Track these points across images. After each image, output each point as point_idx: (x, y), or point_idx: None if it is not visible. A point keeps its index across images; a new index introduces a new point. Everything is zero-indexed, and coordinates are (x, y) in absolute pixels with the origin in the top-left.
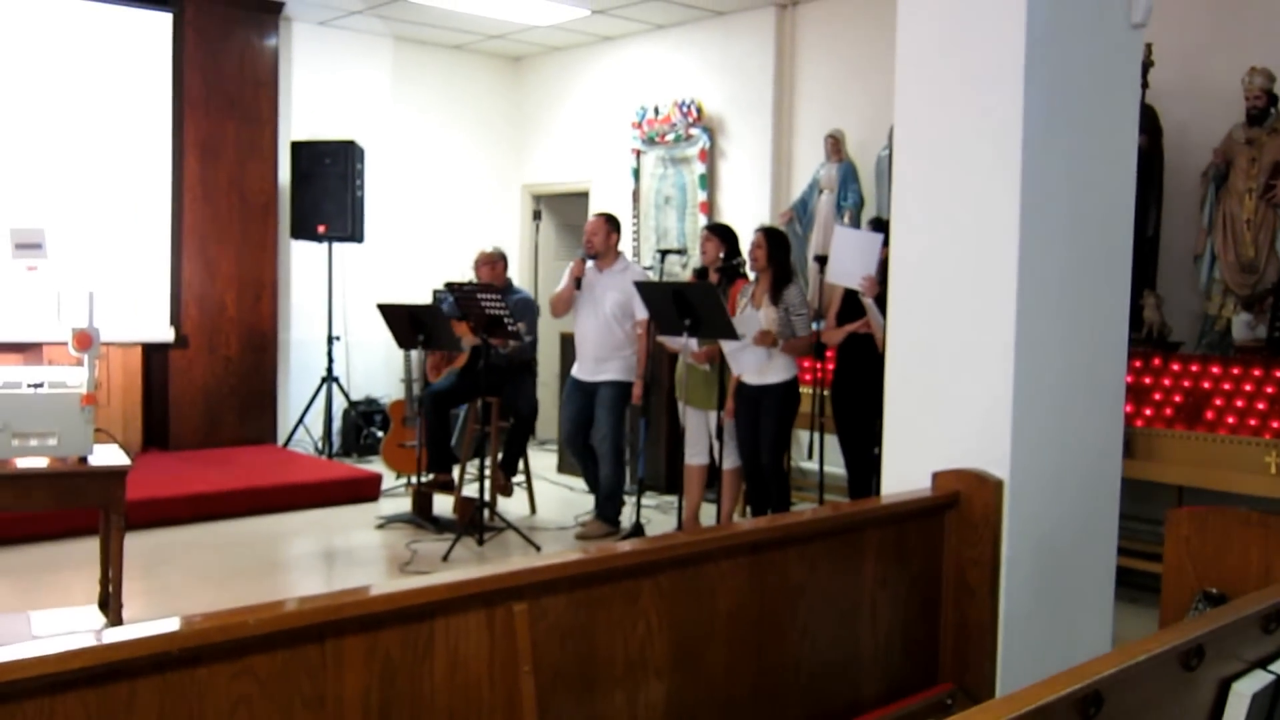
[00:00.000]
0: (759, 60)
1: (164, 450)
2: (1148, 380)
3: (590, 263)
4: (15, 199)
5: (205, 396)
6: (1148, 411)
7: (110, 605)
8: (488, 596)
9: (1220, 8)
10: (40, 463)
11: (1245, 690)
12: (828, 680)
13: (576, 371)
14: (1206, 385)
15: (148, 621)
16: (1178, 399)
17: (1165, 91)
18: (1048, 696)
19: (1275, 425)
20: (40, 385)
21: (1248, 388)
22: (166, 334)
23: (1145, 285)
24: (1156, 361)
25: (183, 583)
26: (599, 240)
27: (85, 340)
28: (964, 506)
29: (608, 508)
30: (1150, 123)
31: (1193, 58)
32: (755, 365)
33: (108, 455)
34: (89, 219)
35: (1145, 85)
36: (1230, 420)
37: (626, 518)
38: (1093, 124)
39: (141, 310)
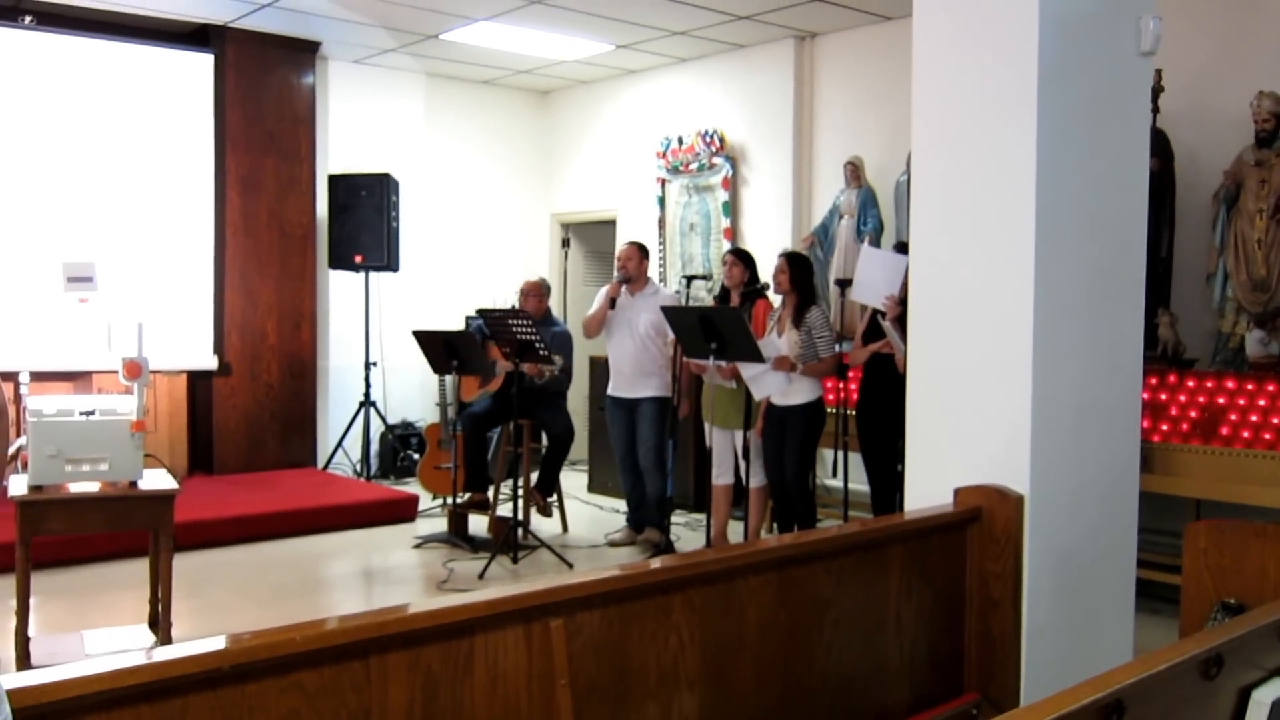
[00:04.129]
0: (779, 90)
1: (208, 474)
2: (1164, 397)
3: (623, 287)
4: (67, 234)
5: (248, 422)
6: (1164, 427)
7: (159, 624)
8: (525, 613)
9: (1227, 35)
10: (92, 487)
11: (1265, 698)
12: (855, 692)
13: (613, 390)
14: (1221, 401)
15: (198, 640)
16: (1193, 415)
17: (1176, 116)
18: (1071, 705)
19: None
20: (92, 413)
21: (1262, 403)
22: (210, 362)
23: (1160, 304)
24: (1172, 378)
25: (228, 602)
26: (634, 265)
27: (135, 369)
28: (986, 521)
29: (656, 515)
30: (1162, 147)
31: (1202, 83)
32: (777, 389)
33: (157, 479)
34: (136, 252)
35: (1156, 111)
36: (1245, 435)
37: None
38: (1105, 148)
39: (186, 339)
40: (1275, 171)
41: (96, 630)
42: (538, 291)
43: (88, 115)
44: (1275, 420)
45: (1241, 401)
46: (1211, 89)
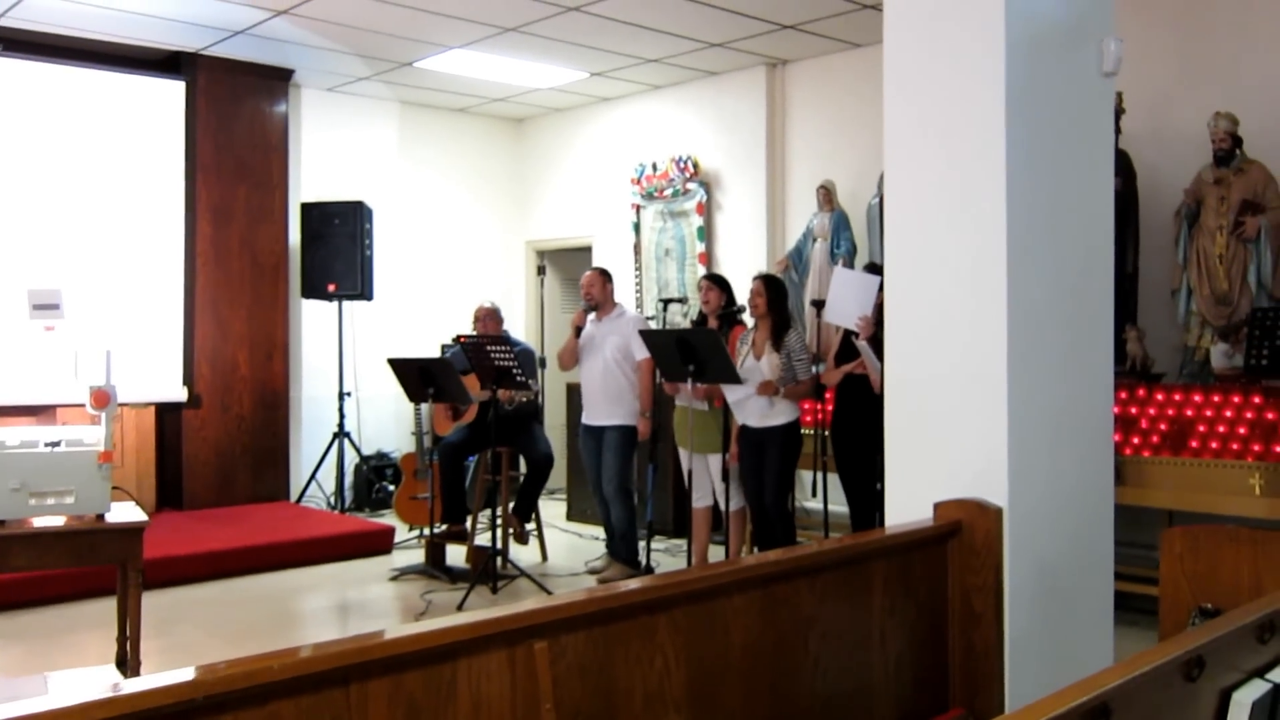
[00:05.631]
0: (752, 117)
1: (178, 510)
2: (1134, 410)
3: (590, 314)
4: (34, 262)
5: (218, 455)
6: (1135, 440)
7: (128, 663)
8: (508, 636)
9: (1184, 57)
10: (57, 521)
11: (1245, 699)
12: (841, 709)
13: (586, 418)
14: (1189, 413)
15: (170, 671)
16: (1163, 427)
17: (1137, 137)
18: (1059, 709)
19: (1257, 448)
20: (57, 444)
21: (1228, 414)
22: (179, 394)
23: (1127, 320)
24: (1141, 392)
25: (199, 640)
26: (596, 291)
27: (103, 398)
28: (966, 535)
29: (622, 548)
30: (1125, 166)
31: (1161, 104)
32: (759, 413)
33: (125, 512)
34: (104, 282)
35: (1118, 131)
36: (1214, 445)
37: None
38: (1071, 168)
39: (155, 371)
40: (1233, 189)
41: (61, 671)
42: (493, 315)
43: (57, 142)
44: (1241, 430)
45: (1209, 413)
46: (1170, 110)
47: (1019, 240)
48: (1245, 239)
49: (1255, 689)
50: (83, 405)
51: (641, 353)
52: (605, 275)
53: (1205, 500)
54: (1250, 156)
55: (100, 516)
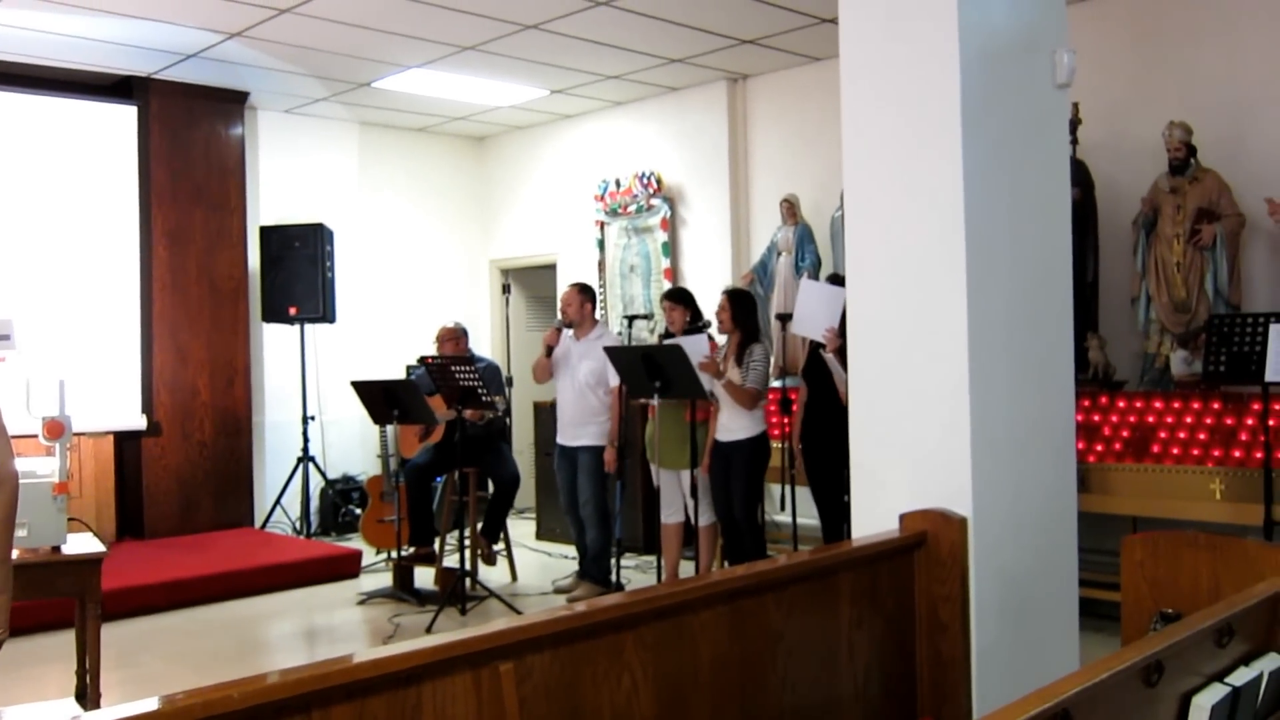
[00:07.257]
0: (714, 131)
1: (139, 539)
2: (1096, 418)
3: (569, 331)
4: None
5: (180, 483)
6: (1099, 447)
7: (88, 696)
8: (473, 658)
9: (1139, 68)
10: (11, 554)
11: (1205, 703)
12: None
13: (560, 438)
14: (1151, 420)
15: (129, 703)
16: (1126, 434)
17: (1094, 147)
18: (1019, 716)
19: (1217, 454)
20: None
21: (1189, 420)
22: (138, 422)
23: (1088, 328)
24: (1103, 400)
25: (162, 670)
26: (573, 310)
27: (56, 429)
28: (932, 545)
29: (594, 568)
30: (1082, 176)
31: (1117, 115)
32: (724, 425)
33: (81, 544)
34: (58, 310)
35: (1075, 141)
36: (1175, 451)
37: None
38: (1028, 179)
39: (113, 399)
40: (1189, 198)
41: (18, 707)
42: (454, 336)
43: (6, 169)
44: (1202, 436)
45: (1169, 420)
46: (1126, 120)
47: (978, 251)
48: (1201, 247)
49: (1215, 693)
50: (36, 436)
51: (616, 378)
52: (585, 292)
53: (1168, 506)
54: (1205, 165)
55: (56, 549)
